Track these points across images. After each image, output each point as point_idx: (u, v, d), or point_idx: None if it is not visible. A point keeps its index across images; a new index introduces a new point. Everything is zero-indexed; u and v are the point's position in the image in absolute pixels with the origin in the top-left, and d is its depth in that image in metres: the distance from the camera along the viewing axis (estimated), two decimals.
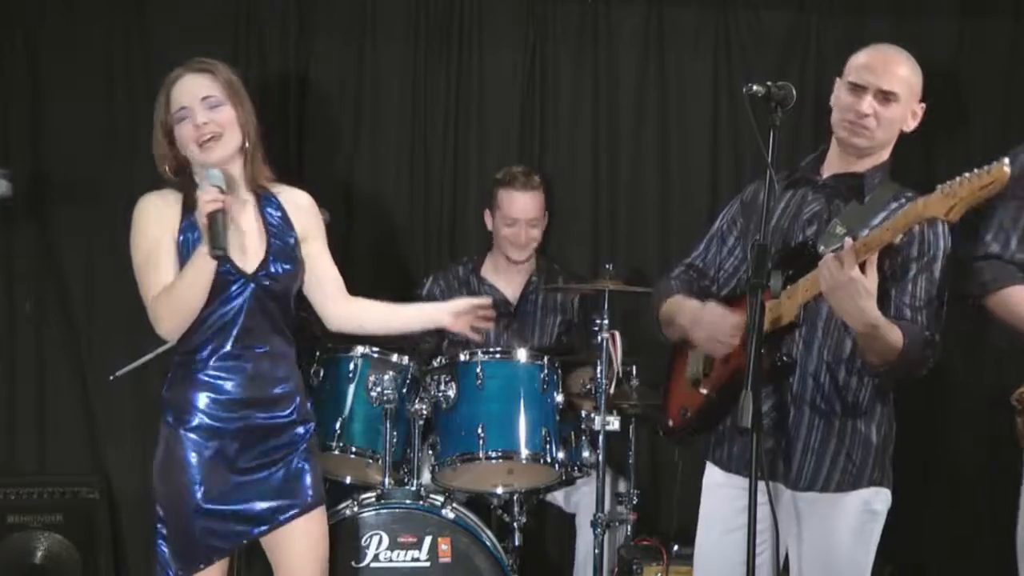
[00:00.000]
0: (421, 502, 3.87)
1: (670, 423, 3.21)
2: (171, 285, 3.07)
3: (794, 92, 2.83)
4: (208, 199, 3.00)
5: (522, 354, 4.08)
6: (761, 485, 2.66)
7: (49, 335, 4.77)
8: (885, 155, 3.06)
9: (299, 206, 3.31)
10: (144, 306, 3.14)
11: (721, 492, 3.10)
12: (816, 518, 3.00)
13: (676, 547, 4.04)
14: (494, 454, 3.92)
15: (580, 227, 4.91)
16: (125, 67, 4.80)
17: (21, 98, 4.76)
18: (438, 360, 4.10)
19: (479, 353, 4.02)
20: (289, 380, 3.22)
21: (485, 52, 4.89)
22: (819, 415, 2.98)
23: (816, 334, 2.97)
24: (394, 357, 4.06)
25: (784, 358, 2.94)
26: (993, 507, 4.69)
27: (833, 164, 3.09)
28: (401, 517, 3.81)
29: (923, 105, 3.05)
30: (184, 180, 3.18)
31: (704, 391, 3.07)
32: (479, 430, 3.90)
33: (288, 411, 3.20)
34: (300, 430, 3.22)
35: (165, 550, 3.15)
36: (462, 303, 3.48)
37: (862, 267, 2.72)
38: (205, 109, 3.12)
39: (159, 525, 3.16)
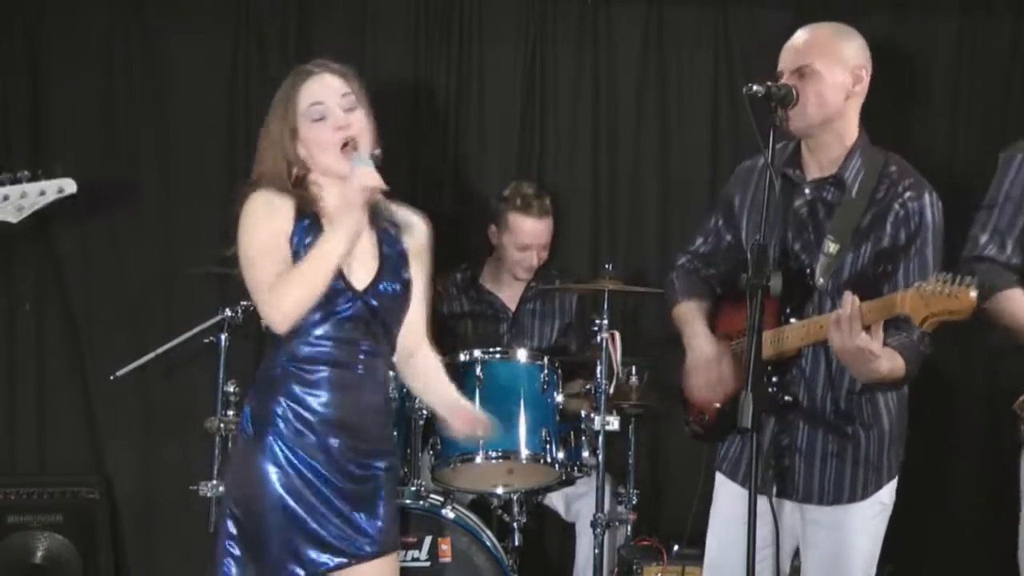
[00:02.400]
0: (421, 502, 3.87)
1: (692, 421, 3.18)
2: (296, 269, 2.73)
3: (794, 92, 2.82)
4: (370, 180, 2.77)
5: (522, 354, 4.07)
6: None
7: (49, 335, 4.77)
8: (850, 132, 2.93)
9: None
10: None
11: (729, 487, 3.08)
12: (833, 527, 2.94)
13: (676, 547, 4.03)
14: (494, 454, 3.90)
15: (580, 227, 4.90)
16: (125, 66, 4.81)
17: (21, 97, 4.77)
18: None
19: (479, 353, 4.02)
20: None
21: (485, 51, 4.89)
22: (831, 428, 2.92)
23: (820, 351, 2.93)
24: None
25: (787, 398, 2.91)
26: (994, 507, 4.69)
27: (808, 162, 2.98)
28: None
29: (863, 66, 2.92)
30: (301, 189, 2.82)
31: (717, 405, 3.04)
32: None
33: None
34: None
35: None
36: (478, 416, 3.07)
37: (868, 327, 2.66)
38: (343, 110, 2.81)
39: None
